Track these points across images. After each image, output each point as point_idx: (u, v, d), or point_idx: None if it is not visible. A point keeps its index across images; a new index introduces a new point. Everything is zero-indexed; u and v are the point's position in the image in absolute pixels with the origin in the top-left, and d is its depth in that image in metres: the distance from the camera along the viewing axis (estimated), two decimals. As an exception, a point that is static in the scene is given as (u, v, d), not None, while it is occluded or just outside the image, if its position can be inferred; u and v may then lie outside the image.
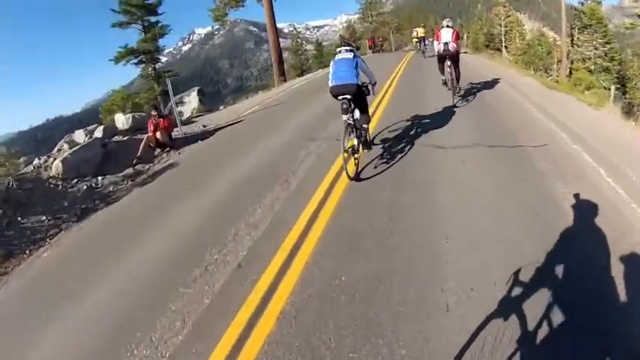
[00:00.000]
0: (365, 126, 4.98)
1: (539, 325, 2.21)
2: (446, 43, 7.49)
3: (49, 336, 2.98)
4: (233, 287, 2.99)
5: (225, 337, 2.51)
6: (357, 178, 4.62)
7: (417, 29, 22.90)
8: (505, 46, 27.81)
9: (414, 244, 3.19)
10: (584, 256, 2.83)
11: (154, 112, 7.89)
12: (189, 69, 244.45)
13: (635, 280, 2.50)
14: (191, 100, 11.94)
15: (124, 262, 3.79)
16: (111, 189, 6.34)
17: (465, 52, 22.31)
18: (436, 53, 7.94)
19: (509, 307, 2.39)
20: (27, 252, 4.62)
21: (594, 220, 3.19)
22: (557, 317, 2.26)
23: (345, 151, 4.46)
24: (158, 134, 7.63)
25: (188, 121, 11.39)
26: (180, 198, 5.19)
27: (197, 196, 5.08)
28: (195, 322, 2.70)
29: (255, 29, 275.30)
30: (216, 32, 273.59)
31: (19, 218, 5.27)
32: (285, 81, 20.73)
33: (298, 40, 33.34)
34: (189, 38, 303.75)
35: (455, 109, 7.18)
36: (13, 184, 5.92)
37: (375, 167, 4.91)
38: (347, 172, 4.47)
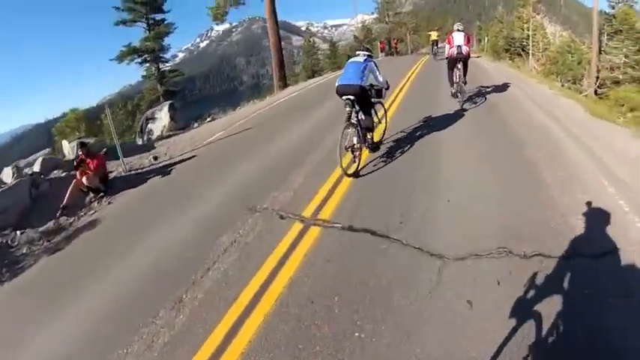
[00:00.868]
0: (369, 127, 5.04)
1: None
2: (459, 46, 7.55)
3: None
4: None
5: None
6: (356, 175, 4.75)
7: (432, 32, 22.93)
8: (532, 53, 25.58)
9: None
10: None
11: (80, 152, 6.32)
12: (206, 65, 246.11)
13: None
14: (162, 117, 10.58)
15: None
16: (24, 251, 4.86)
17: (478, 57, 20.42)
18: (448, 56, 7.88)
19: None
20: None
21: None
22: None
23: (345, 148, 4.64)
24: (84, 179, 5.95)
25: (160, 138, 10.11)
26: (78, 286, 3.70)
27: (97, 284, 3.64)
28: None
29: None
30: (234, 29, 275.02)
31: None
32: (286, 86, 19.23)
33: (310, 39, 31.77)
34: (207, 35, 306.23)
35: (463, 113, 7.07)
36: None
37: (375, 166, 4.91)
38: (341, 167, 4.57)
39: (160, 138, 10.06)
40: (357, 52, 5.10)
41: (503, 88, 9.56)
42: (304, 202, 4.28)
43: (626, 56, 22.84)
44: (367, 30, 39.81)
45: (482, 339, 2.29)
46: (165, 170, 6.96)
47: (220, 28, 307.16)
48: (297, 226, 3.78)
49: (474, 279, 2.80)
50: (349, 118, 4.68)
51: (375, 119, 5.42)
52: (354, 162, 4.79)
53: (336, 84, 4.80)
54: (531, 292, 2.56)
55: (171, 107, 10.79)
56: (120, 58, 28.21)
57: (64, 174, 6.89)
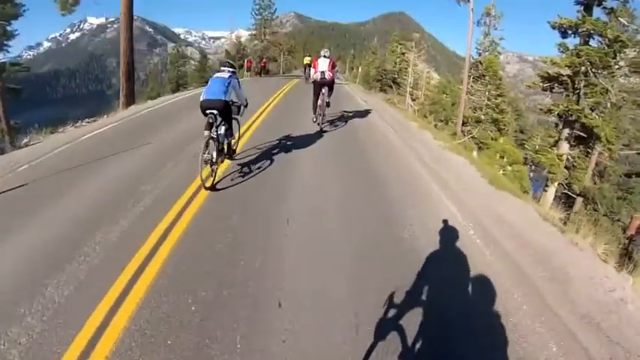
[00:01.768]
0: (227, 140, 5.30)
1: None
2: (322, 72, 7.84)
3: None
4: None
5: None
6: (213, 188, 4.78)
7: (305, 57, 23.05)
8: (409, 93, 26.16)
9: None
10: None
11: None
12: (75, 60, 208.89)
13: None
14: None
15: None
16: None
17: (346, 83, 21.09)
18: (313, 80, 8.19)
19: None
20: None
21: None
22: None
23: (205, 162, 4.65)
24: None
25: None
26: None
27: None
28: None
29: (150, 30, 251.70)
30: (109, 25, 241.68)
31: None
32: (132, 103, 14.27)
33: (180, 48, 27.01)
34: (79, 26, 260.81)
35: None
36: None
37: (232, 180, 5.04)
38: (202, 181, 4.61)
39: None
40: (222, 68, 5.31)
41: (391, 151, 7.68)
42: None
43: (488, 99, 25.16)
44: (241, 46, 37.19)
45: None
46: None
47: (96, 21, 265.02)
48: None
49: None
50: (209, 131, 4.72)
51: (236, 135, 5.97)
52: (211, 176, 4.87)
53: (201, 98, 4.94)
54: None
55: None
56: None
57: None
